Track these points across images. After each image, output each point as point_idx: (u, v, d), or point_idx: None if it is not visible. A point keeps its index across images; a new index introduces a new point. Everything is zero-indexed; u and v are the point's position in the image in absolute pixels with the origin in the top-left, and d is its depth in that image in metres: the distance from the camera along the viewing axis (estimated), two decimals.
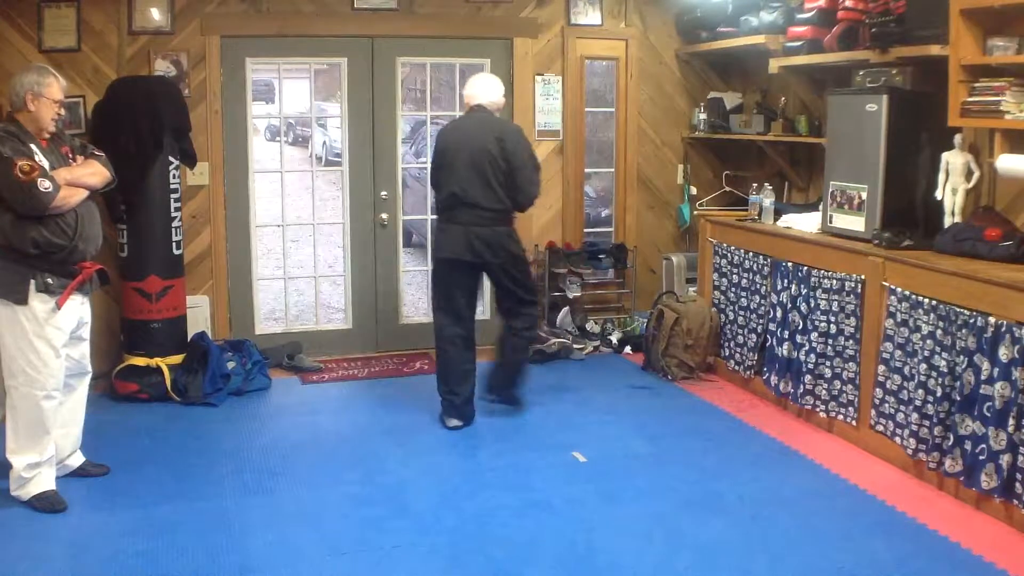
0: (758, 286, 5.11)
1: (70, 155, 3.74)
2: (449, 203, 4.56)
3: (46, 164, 3.55)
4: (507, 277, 4.65)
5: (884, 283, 4.17)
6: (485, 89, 4.66)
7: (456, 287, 4.63)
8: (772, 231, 5.07)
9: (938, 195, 4.26)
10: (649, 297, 6.15)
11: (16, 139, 3.51)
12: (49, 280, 3.57)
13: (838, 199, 4.63)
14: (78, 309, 3.75)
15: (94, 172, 3.75)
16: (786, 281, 4.80)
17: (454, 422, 4.67)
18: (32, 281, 3.55)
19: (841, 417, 4.49)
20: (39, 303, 3.57)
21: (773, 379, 4.92)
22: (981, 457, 3.59)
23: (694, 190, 6.38)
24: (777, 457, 4.30)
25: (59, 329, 3.63)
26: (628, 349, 6.09)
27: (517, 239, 4.66)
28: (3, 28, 5.05)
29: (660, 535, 3.49)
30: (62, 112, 3.67)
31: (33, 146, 3.56)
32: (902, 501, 3.77)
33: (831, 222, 4.69)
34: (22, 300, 3.54)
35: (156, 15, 5.31)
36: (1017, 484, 3.48)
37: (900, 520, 3.62)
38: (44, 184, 3.47)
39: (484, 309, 6.27)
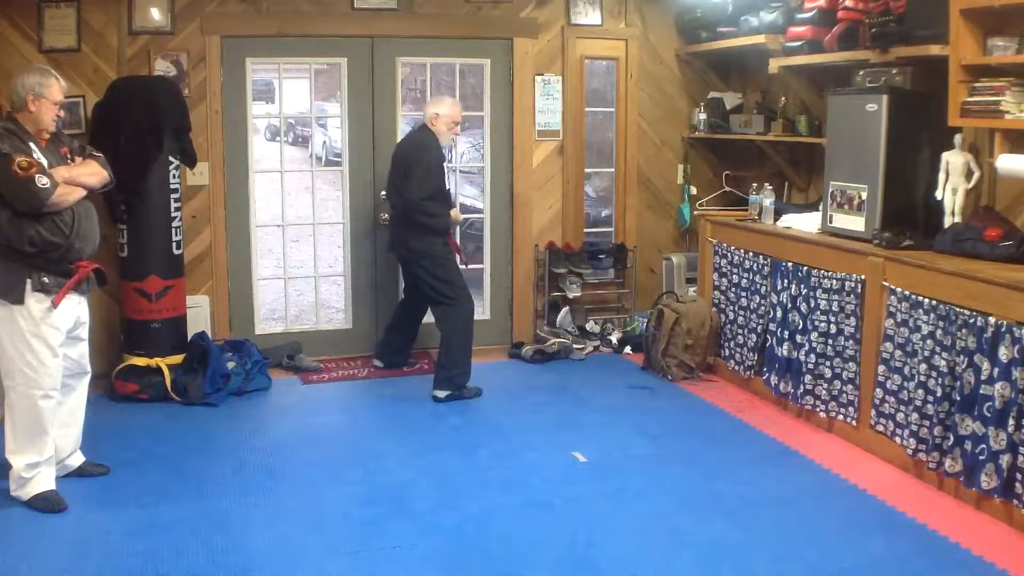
0: (758, 286, 5.11)
1: (69, 155, 3.74)
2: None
3: (44, 162, 3.55)
4: (417, 276, 5.21)
5: (884, 283, 4.17)
6: (427, 108, 5.19)
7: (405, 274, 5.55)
8: (772, 231, 5.07)
9: (938, 195, 4.26)
10: (649, 297, 6.15)
11: (15, 137, 3.52)
12: (45, 279, 3.57)
13: (838, 199, 4.63)
14: (75, 309, 3.75)
15: (92, 172, 3.75)
16: (786, 281, 4.80)
17: (376, 361, 5.74)
18: (28, 280, 3.54)
19: (841, 417, 4.49)
20: (35, 302, 3.57)
21: (773, 379, 4.92)
22: (981, 457, 3.59)
23: (694, 190, 6.37)
24: (777, 457, 4.30)
25: (55, 328, 3.63)
26: (628, 349, 6.09)
27: (424, 239, 5.07)
28: (3, 28, 5.05)
29: (660, 535, 3.49)
30: (62, 113, 3.68)
31: (32, 145, 3.56)
32: (902, 501, 3.77)
33: (831, 222, 4.68)
34: (18, 299, 3.54)
35: (156, 15, 5.31)
36: (1017, 484, 3.48)
37: (900, 520, 3.62)
38: (42, 180, 3.47)
39: (484, 309, 6.28)
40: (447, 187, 5.33)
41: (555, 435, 4.56)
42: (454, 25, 5.85)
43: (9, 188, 3.46)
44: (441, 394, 5.06)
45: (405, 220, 5.09)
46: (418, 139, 5.14)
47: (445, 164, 5.25)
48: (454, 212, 5.33)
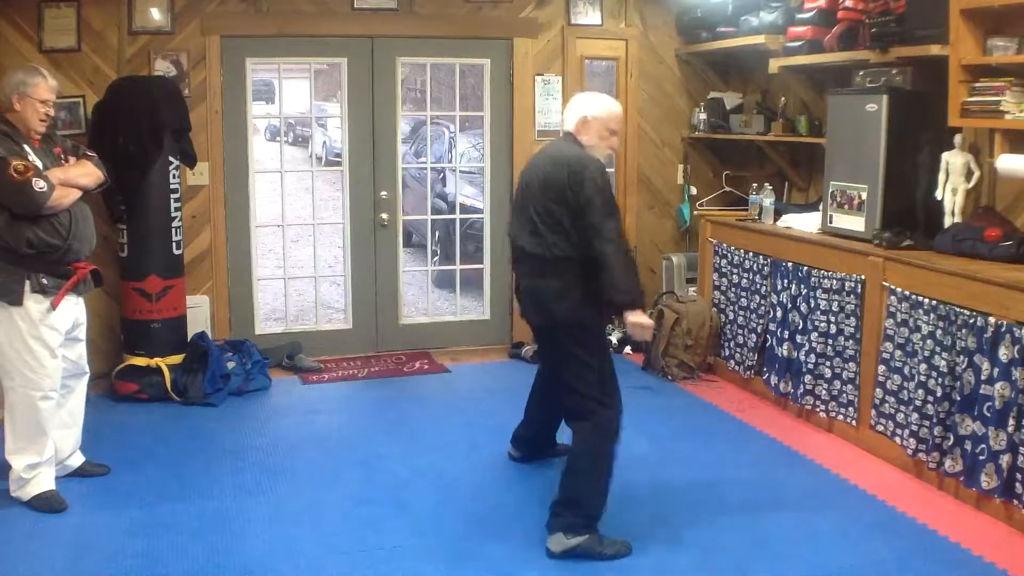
0: (758, 286, 5.11)
1: (62, 156, 3.74)
2: (512, 251, 3.70)
3: (39, 164, 3.55)
4: (554, 353, 3.57)
5: (884, 283, 4.17)
6: (568, 111, 3.62)
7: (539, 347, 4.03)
8: (772, 231, 5.07)
9: (938, 195, 4.26)
10: (649, 297, 6.15)
11: (9, 139, 3.51)
12: (44, 280, 3.57)
13: (838, 199, 4.63)
14: (73, 310, 3.75)
15: (87, 172, 3.75)
16: (786, 281, 4.81)
17: (512, 451, 4.24)
18: (27, 282, 3.54)
19: (841, 417, 4.49)
20: (34, 304, 3.57)
21: (773, 379, 4.92)
22: (981, 457, 3.59)
23: (694, 190, 6.37)
24: (777, 457, 4.30)
25: (54, 330, 3.63)
26: (628, 349, 6.09)
27: (574, 300, 3.41)
28: (3, 28, 5.05)
29: (660, 535, 3.49)
30: (51, 112, 3.65)
31: (26, 146, 3.56)
32: (902, 501, 3.77)
33: (831, 222, 4.69)
34: (17, 301, 3.54)
35: (156, 15, 5.31)
36: (1017, 484, 3.48)
37: (900, 520, 3.62)
38: (39, 184, 3.47)
39: (484, 309, 6.28)
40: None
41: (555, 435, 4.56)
42: (454, 25, 5.84)
43: (6, 192, 3.45)
44: (556, 547, 3.33)
45: (543, 269, 3.46)
46: (567, 151, 3.45)
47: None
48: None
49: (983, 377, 3.59)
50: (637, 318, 3.36)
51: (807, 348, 4.64)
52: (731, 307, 5.40)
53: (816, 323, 4.58)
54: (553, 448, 4.15)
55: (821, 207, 4.80)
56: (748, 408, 4.98)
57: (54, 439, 3.74)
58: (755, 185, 5.51)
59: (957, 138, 4.17)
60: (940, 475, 3.87)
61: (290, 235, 6.45)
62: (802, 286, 4.68)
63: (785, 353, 4.81)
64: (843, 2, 4.62)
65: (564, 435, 3.81)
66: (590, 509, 3.36)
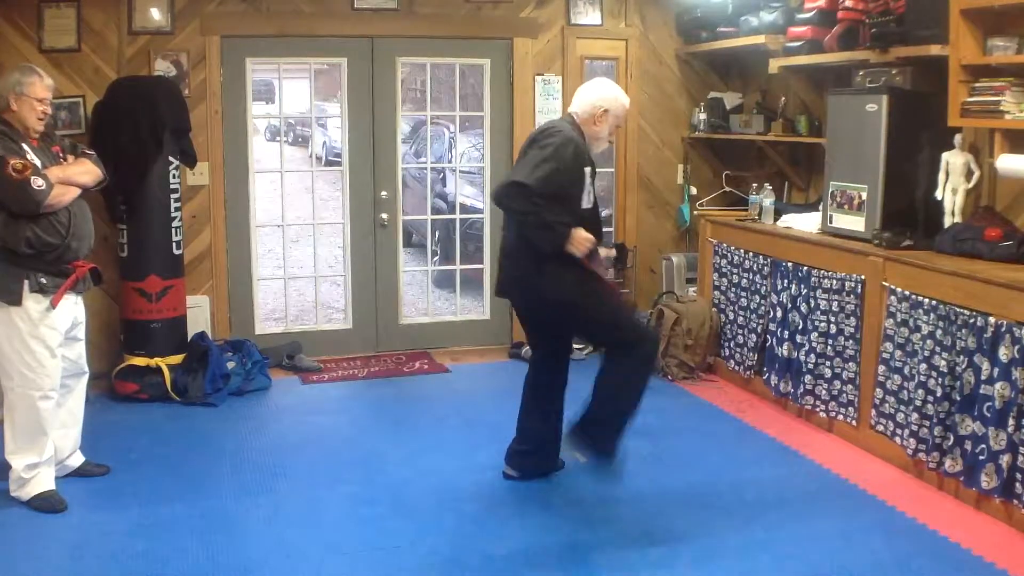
0: (758, 286, 5.11)
1: (61, 154, 3.74)
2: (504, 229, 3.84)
3: (38, 163, 3.55)
4: (562, 324, 3.75)
5: (884, 283, 4.17)
6: (578, 95, 3.70)
7: (525, 325, 4.04)
8: (772, 231, 5.07)
9: (938, 195, 4.26)
10: (649, 297, 6.15)
11: (8, 138, 3.52)
12: (43, 280, 3.57)
13: (838, 199, 4.63)
14: (72, 309, 3.75)
15: (86, 171, 3.75)
16: (786, 281, 4.81)
17: (508, 470, 4.02)
18: (26, 281, 3.54)
19: (841, 417, 4.49)
20: (33, 303, 3.57)
21: (773, 379, 4.92)
22: (981, 457, 3.59)
23: (694, 190, 6.37)
24: (777, 457, 4.30)
25: (54, 329, 3.63)
26: None
27: (556, 275, 3.52)
28: (3, 28, 5.05)
29: (660, 535, 3.49)
30: (48, 111, 3.65)
31: (24, 145, 3.56)
32: (902, 501, 3.77)
33: (831, 222, 4.69)
34: (16, 301, 3.54)
35: (156, 15, 5.31)
36: (1017, 484, 3.48)
37: (900, 520, 3.62)
38: (37, 182, 3.47)
39: (484, 309, 6.28)
40: (590, 204, 3.64)
41: None
42: (454, 25, 5.84)
43: (4, 191, 3.45)
44: (572, 443, 3.63)
45: (521, 247, 3.59)
46: (557, 125, 3.60)
47: (587, 176, 3.61)
48: (603, 250, 3.65)
49: (983, 377, 3.59)
50: (574, 245, 3.45)
51: (807, 348, 4.64)
52: (731, 307, 5.40)
53: (816, 323, 4.58)
54: (555, 463, 4.01)
55: (821, 207, 4.80)
56: (748, 408, 4.98)
57: (54, 439, 3.74)
58: (755, 185, 5.51)
59: (957, 138, 4.17)
60: (940, 475, 3.87)
61: (290, 235, 6.46)
62: (802, 286, 4.68)
63: (785, 353, 4.81)
64: (843, 2, 4.62)
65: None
66: (613, 429, 3.56)
